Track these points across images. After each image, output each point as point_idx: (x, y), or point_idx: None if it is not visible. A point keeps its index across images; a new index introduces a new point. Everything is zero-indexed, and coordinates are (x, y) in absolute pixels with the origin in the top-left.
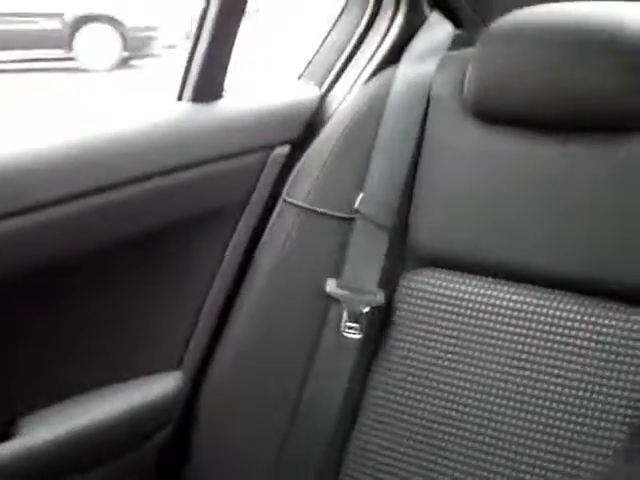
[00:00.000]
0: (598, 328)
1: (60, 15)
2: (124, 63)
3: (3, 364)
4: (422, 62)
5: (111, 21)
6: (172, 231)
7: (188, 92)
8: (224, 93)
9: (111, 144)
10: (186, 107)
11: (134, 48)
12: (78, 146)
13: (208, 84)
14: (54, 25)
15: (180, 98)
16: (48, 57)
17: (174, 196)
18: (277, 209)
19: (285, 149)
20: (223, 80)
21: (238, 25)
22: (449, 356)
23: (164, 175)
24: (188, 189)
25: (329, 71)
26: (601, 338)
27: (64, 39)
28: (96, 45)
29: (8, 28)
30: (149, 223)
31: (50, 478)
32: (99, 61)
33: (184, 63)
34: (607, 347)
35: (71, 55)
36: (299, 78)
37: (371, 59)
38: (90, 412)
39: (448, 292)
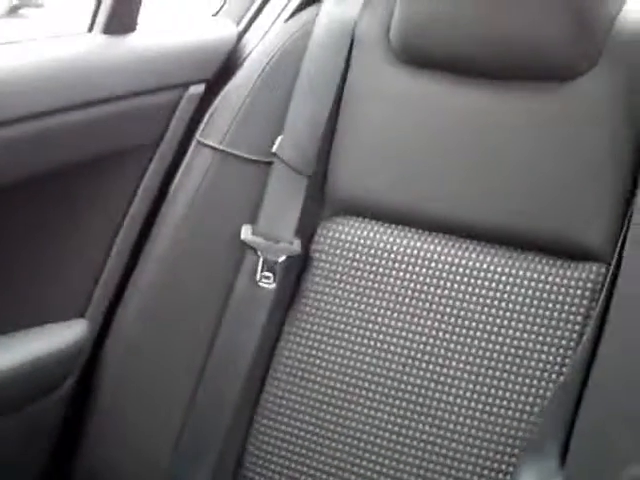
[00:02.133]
0: (519, 281)
1: None
2: (13, 11)
3: None
4: (346, 1)
5: None
6: (79, 170)
7: (99, 24)
8: (137, 27)
9: (14, 76)
10: (96, 39)
11: None
12: None
13: (121, 16)
14: None
15: (90, 30)
16: None
17: (82, 133)
18: (190, 150)
19: (200, 88)
20: (137, 12)
21: None
22: (366, 308)
23: (71, 111)
24: (96, 126)
25: (248, 8)
26: (522, 291)
27: None
28: None
29: None
30: (54, 161)
31: None
32: None
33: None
34: (527, 300)
35: None
36: (216, 14)
37: None
38: None
39: (367, 242)
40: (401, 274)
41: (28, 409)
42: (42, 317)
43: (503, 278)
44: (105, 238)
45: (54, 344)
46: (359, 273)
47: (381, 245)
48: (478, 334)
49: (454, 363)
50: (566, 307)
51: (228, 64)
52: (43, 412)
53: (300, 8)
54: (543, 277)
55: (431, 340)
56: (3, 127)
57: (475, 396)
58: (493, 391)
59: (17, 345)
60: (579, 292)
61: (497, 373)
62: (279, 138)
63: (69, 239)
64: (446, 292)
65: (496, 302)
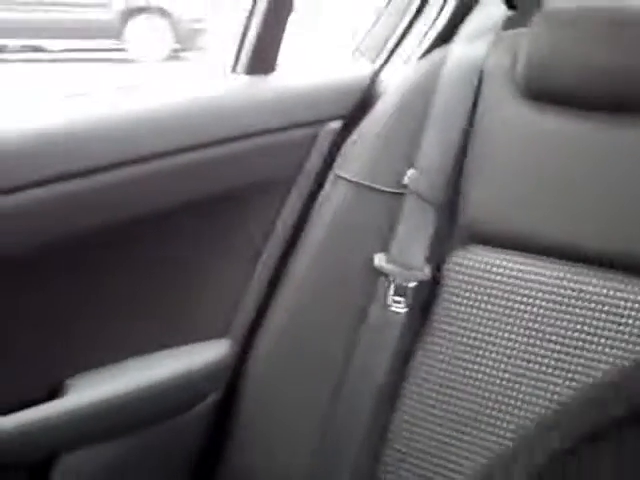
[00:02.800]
0: None
1: (111, 5)
2: (174, 55)
3: (57, 325)
4: (475, 41)
5: (161, 12)
6: (223, 201)
7: (242, 65)
8: (277, 67)
9: (163, 113)
10: (239, 79)
11: (184, 40)
12: (130, 114)
13: (262, 57)
14: (105, 15)
15: (234, 71)
16: (99, 47)
17: (225, 167)
18: (328, 183)
19: (337, 124)
20: (277, 53)
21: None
22: (495, 332)
23: (216, 145)
24: (239, 160)
25: (382, 48)
26: None
27: (115, 30)
28: (147, 36)
29: (60, 17)
30: (201, 192)
31: (95, 439)
32: (150, 52)
33: (238, 36)
34: None
35: (122, 46)
36: (353, 54)
37: (424, 37)
38: (137, 376)
39: (496, 269)
40: (531, 301)
41: (174, 421)
42: (189, 336)
43: (629, 305)
44: (247, 265)
45: (199, 361)
46: (487, 299)
47: (508, 273)
48: (610, 359)
49: (581, 386)
50: None
51: (363, 101)
52: (187, 425)
53: (431, 48)
54: None
55: (560, 365)
56: (156, 160)
57: None
58: None
59: (166, 361)
60: None
61: None
62: (411, 170)
63: (214, 266)
64: (573, 318)
65: (635, 330)
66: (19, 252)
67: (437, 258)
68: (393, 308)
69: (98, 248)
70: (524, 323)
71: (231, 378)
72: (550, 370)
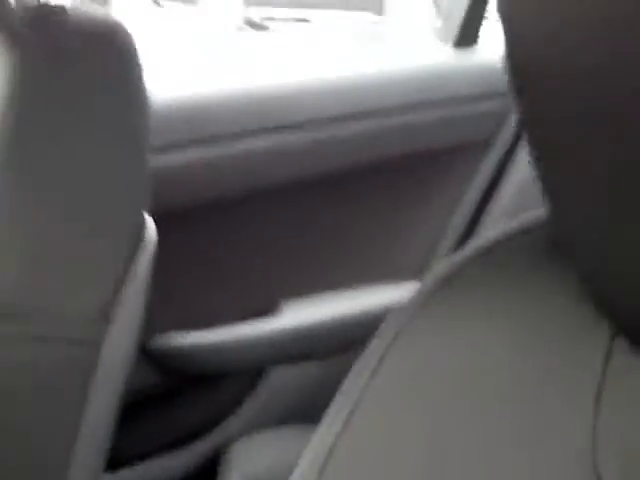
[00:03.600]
0: None
1: None
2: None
3: (278, 257)
4: None
5: None
6: (428, 157)
7: (450, 37)
8: (480, 40)
9: (380, 77)
10: (447, 50)
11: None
12: (347, 77)
13: (468, 30)
14: None
15: (442, 41)
16: (357, 19)
17: (432, 128)
18: (520, 147)
19: None
20: (479, 26)
21: None
22: None
23: (426, 108)
24: (445, 123)
25: None
26: None
27: (377, 3)
28: (409, 11)
29: None
30: (408, 149)
31: (299, 358)
32: (410, 27)
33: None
34: None
35: (381, 19)
36: None
37: None
38: (338, 307)
39: None
40: None
41: (360, 352)
42: (387, 277)
43: None
44: (444, 215)
45: (393, 300)
46: None
47: None
48: None
49: None
50: None
51: None
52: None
53: None
54: None
55: None
56: (373, 117)
57: None
58: None
59: (365, 296)
60: None
61: None
62: None
63: (415, 215)
64: None
65: None
66: (247, 193)
67: None
68: None
69: (314, 194)
70: None
71: None
72: None
